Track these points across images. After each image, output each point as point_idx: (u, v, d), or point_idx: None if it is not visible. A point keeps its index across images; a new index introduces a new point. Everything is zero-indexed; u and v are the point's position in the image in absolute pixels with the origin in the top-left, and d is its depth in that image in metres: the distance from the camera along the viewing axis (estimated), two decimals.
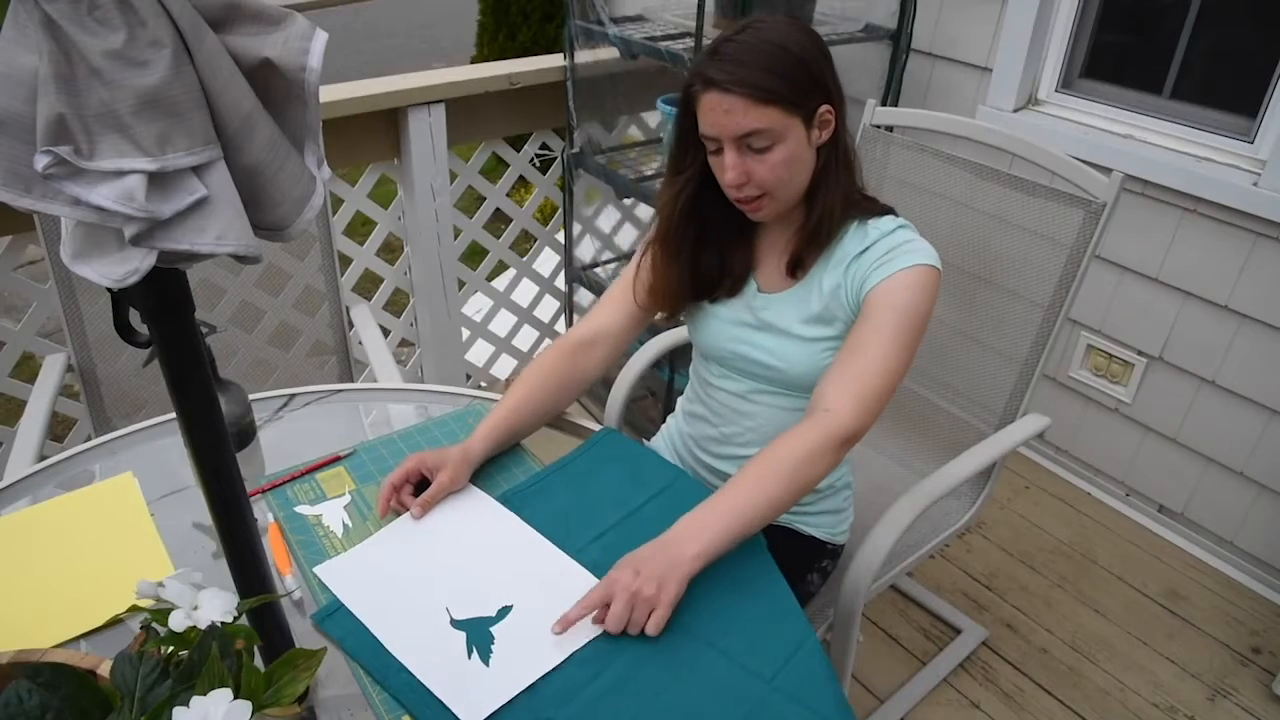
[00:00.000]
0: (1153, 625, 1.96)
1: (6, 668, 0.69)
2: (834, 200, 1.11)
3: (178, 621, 0.64)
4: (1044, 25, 2.11)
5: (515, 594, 0.95)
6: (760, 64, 1.02)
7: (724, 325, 1.22)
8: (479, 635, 0.91)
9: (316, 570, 0.99)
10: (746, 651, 0.89)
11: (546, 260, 2.76)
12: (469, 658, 0.88)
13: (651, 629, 0.90)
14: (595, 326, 1.25)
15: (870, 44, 2.21)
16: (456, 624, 0.92)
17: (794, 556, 1.28)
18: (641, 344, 1.55)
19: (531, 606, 0.94)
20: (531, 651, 0.89)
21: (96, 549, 1.03)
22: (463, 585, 0.97)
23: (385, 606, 0.94)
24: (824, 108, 1.07)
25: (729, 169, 1.07)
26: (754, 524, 0.99)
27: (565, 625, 0.91)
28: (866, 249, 1.11)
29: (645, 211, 2.66)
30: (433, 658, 0.88)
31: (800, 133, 1.06)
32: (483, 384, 2.82)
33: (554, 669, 0.87)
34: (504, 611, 0.93)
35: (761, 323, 1.19)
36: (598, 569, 0.98)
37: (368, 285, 2.61)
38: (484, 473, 1.14)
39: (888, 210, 1.17)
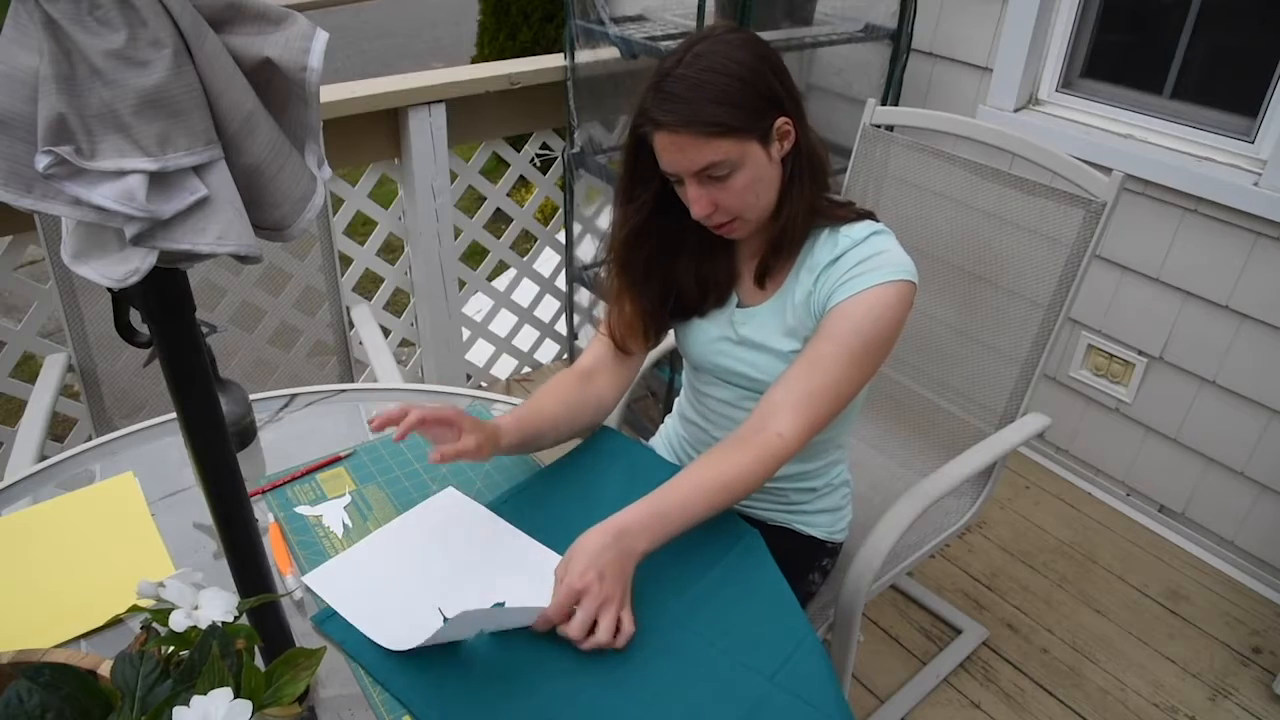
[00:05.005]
0: (1153, 625, 1.96)
1: (6, 668, 0.69)
2: (798, 210, 1.09)
3: (178, 621, 0.64)
4: (1044, 25, 2.11)
5: (508, 592, 0.96)
6: (704, 97, 0.99)
7: (707, 339, 1.21)
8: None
9: (306, 579, 0.99)
10: (747, 650, 0.89)
11: (547, 260, 2.76)
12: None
13: (624, 634, 0.89)
14: (592, 359, 1.24)
15: (870, 44, 2.21)
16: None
17: (794, 556, 1.28)
18: None
19: (525, 602, 0.94)
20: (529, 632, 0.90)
21: (97, 549, 1.03)
22: (454, 586, 0.97)
23: (378, 609, 0.94)
24: (780, 120, 1.05)
25: (694, 202, 1.06)
26: (693, 525, 1.00)
27: (547, 624, 0.90)
28: (837, 259, 1.09)
29: None
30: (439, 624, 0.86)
31: (759, 153, 1.04)
32: (483, 384, 2.82)
33: (554, 669, 0.87)
34: (498, 607, 0.93)
35: (740, 338, 1.18)
36: None
37: (368, 285, 2.62)
38: (485, 472, 1.14)
39: (864, 215, 1.14)
